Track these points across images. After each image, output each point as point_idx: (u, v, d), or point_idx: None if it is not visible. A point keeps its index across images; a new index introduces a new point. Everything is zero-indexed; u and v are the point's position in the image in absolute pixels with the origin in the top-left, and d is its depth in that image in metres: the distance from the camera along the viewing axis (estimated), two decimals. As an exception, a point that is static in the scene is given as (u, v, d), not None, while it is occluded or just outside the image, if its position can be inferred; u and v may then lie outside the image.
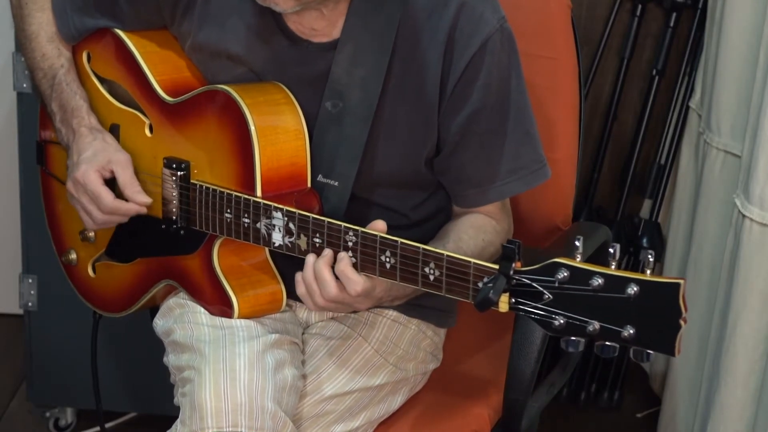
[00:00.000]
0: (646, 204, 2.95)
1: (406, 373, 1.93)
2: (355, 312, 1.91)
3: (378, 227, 1.64)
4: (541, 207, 2.18)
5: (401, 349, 1.92)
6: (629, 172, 2.88)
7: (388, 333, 1.92)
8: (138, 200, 1.84)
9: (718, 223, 2.47)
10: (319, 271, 1.66)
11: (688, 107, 2.79)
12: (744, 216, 2.22)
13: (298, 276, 1.70)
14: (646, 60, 2.88)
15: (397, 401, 1.93)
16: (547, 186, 2.07)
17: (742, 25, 2.40)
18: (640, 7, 2.79)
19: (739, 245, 2.24)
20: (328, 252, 1.66)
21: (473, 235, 1.80)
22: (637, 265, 2.84)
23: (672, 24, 2.79)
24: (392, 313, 1.93)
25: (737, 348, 2.25)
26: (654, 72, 2.83)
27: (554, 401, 2.09)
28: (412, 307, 1.93)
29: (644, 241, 2.87)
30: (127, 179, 1.85)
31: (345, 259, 1.65)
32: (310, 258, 1.68)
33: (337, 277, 1.66)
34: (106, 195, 1.84)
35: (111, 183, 1.86)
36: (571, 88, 2.16)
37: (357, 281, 1.65)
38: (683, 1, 2.76)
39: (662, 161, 2.87)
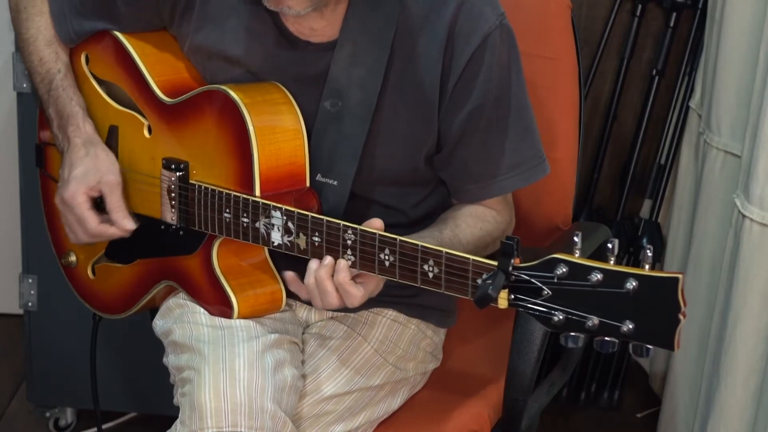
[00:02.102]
0: (646, 204, 2.95)
1: (405, 373, 1.93)
2: (354, 312, 1.91)
3: (375, 225, 1.64)
4: (541, 207, 2.18)
5: (401, 349, 1.92)
6: (629, 172, 2.88)
7: (388, 333, 1.92)
8: (122, 226, 1.86)
9: (718, 223, 2.47)
10: (321, 282, 1.67)
11: (688, 107, 2.79)
12: (744, 216, 2.21)
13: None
14: (646, 60, 2.88)
15: (397, 401, 1.93)
16: (547, 186, 2.08)
17: (742, 25, 2.40)
18: (640, 7, 2.79)
19: (739, 245, 2.24)
20: (329, 260, 1.67)
21: (472, 223, 1.80)
22: (637, 266, 2.84)
23: (672, 24, 2.79)
24: (392, 313, 1.93)
25: (737, 348, 2.25)
26: (654, 72, 2.83)
27: (554, 401, 2.09)
28: (411, 307, 1.93)
29: (644, 241, 2.87)
30: (114, 203, 1.86)
31: (343, 270, 1.65)
32: (313, 264, 1.68)
33: None
34: (92, 220, 1.86)
35: (101, 200, 1.87)
36: (571, 88, 2.16)
37: (355, 295, 1.66)
38: (683, 1, 2.76)
39: (662, 161, 2.87)
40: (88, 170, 1.87)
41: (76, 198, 1.85)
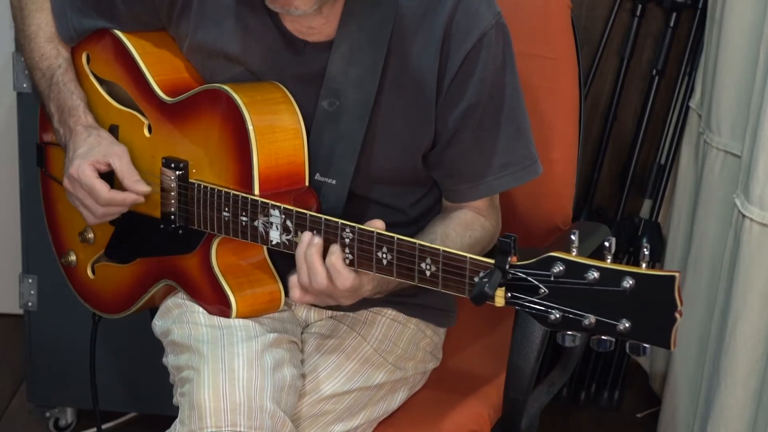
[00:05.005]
0: (646, 204, 2.95)
1: (405, 373, 1.92)
2: (354, 311, 1.91)
3: (376, 226, 1.64)
4: (541, 207, 2.18)
5: (400, 349, 1.92)
6: (629, 172, 2.88)
7: (388, 332, 1.92)
8: (137, 189, 1.83)
9: (718, 223, 2.47)
10: (309, 258, 1.65)
11: (688, 107, 2.79)
12: (744, 216, 2.21)
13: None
14: (646, 60, 2.88)
15: (397, 400, 1.93)
16: (547, 186, 2.08)
17: (742, 25, 2.40)
18: (640, 7, 2.79)
19: (739, 245, 2.24)
20: (319, 240, 1.66)
21: (461, 232, 1.80)
22: (637, 265, 2.84)
23: (672, 24, 2.79)
24: (391, 313, 1.93)
25: (737, 348, 2.25)
26: (654, 72, 2.83)
27: (554, 401, 2.09)
28: (411, 307, 1.93)
29: (644, 241, 2.86)
30: (124, 169, 1.84)
31: (336, 252, 1.64)
32: (305, 237, 1.67)
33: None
34: (101, 187, 1.83)
35: (110, 176, 1.85)
36: (570, 89, 2.16)
37: (347, 276, 1.64)
38: (683, 1, 2.76)
39: (662, 161, 2.87)
40: (92, 146, 1.86)
41: (83, 170, 1.83)
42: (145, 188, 1.83)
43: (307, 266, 1.66)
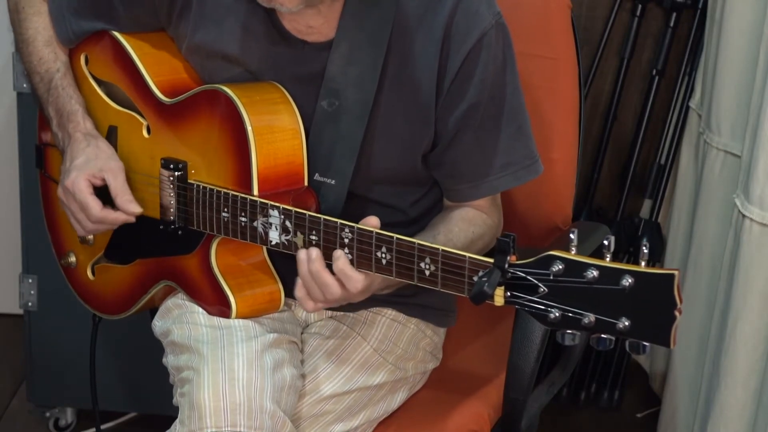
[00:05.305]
0: (646, 204, 2.94)
1: (405, 373, 1.92)
2: (353, 311, 1.91)
3: (371, 223, 1.64)
4: (541, 207, 2.18)
5: (400, 349, 1.92)
6: (629, 172, 2.88)
7: (387, 332, 1.92)
8: (128, 209, 1.84)
9: (718, 223, 2.47)
10: (316, 274, 1.66)
11: (688, 107, 2.79)
12: (744, 216, 2.21)
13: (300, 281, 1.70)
14: (646, 60, 2.87)
15: (397, 401, 1.93)
16: (547, 186, 2.08)
17: (742, 25, 2.40)
18: (640, 7, 2.79)
19: (739, 245, 2.24)
20: (316, 253, 1.66)
21: (464, 228, 1.80)
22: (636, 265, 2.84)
23: (672, 24, 2.79)
24: (391, 313, 1.93)
25: (737, 348, 2.25)
26: (654, 72, 2.83)
27: (554, 401, 2.09)
28: (411, 307, 1.93)
29: (644, 240, 2.86)
30: (118, 187, 1.84)
31: (342, 257, 1.64)
32: (302, 255, 1.67)
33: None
34: (94, 205, 1.83)
35: (104, 190, 1.86)
36: (570, 89, 2.16)
37: (357, 279, 1.64)
38: (683, 1, 2.76)
39: (662, 161, 2.87)
40: (90, 158, 1.86)
41: (78, 184, 1.83)
42: (136, 209, 1.84)
43: (317, 282, 1.66)
